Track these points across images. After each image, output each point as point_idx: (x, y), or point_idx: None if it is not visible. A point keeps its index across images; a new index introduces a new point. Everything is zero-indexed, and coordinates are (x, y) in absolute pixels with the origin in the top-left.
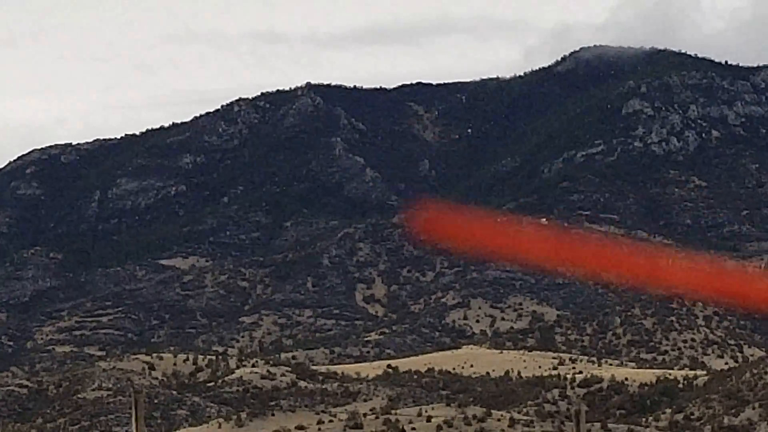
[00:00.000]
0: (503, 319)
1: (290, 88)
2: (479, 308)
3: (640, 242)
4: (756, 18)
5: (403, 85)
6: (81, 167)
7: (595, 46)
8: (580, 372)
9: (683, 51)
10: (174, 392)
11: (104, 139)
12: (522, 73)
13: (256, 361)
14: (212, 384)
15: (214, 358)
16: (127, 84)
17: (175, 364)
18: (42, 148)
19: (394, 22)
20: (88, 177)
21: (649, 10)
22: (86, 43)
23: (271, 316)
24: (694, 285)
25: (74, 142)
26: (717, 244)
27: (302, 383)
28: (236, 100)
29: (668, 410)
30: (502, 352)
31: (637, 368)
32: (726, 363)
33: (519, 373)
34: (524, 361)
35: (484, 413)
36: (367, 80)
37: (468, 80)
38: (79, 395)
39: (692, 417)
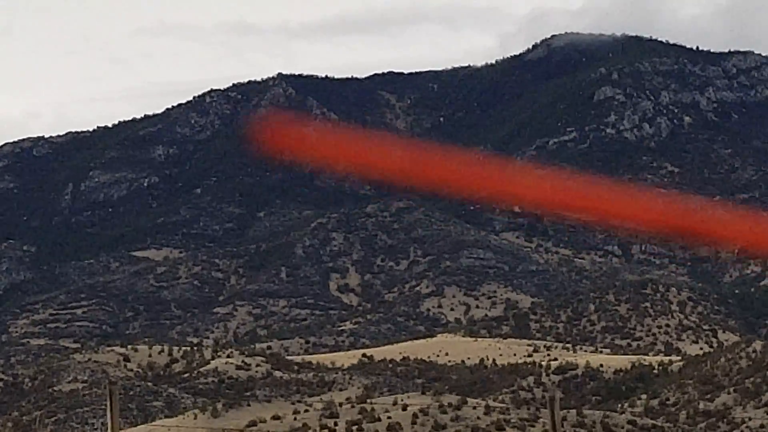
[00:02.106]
0: (477, 306)
1: (262, 79)
2: (453, 296)
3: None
4: (732, 4)
5: (375, 75)
6: (54, 160)
7: (566, 33)
8: (555, 359)
9: (655, 37)
10: (149, 384)
11: (76, 132)
12: (494, 61)
13: (231, 352)
14: (187, 375)
15: (188, 349)
16: (99, 76)
17: (150, 356)
18: (14, 142)
19: (366, 12)
20: (60, 170)
21: None
22: (58, 36)
23: (246, 307)
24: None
25: (47, 135)
26: None
27: (277, 373)
28: (208, 92)
29: (643, 396)
30: (476, 340)
31: (612, 354)
32: (701, 348)
33: (494, 360)
34: (499, 348)
35: (459, 401)
36: (338, 70)
37: (440, 69)
38: (54, 388)
39: (667, 402)
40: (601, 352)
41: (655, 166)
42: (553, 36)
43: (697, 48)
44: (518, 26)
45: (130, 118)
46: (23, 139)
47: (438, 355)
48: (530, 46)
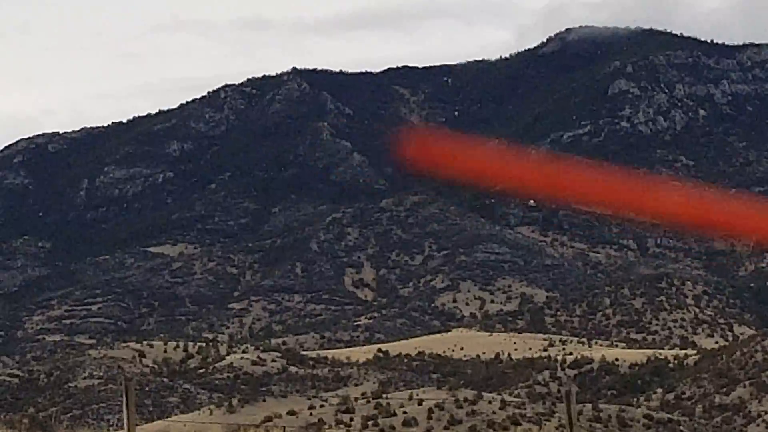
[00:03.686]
0: (492, 301)
1: (276, 74)
2: (468, 291)
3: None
4: None
5: (389, 69)
6: (68, 156)
7: (581, 26)
8: (571, 353)
9: (669, 30)
10: (165, 380)
11: (91, 128)
12: (508, 55)
13: (247, 348)
14: (203, 371)
15: (204, 344)
16: (113, 72)
17: (165, 352)
18: (29, 138)
19: (380, 6)
20: (75, 165)
21: None
22: (72, 32)
23: (261, 302)
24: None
25: (61, 131)
26: None
27: (293, 369)
28: (223, 87)
29: (659, 390)
30: (492, 335)
31: (628, 348)
32: (716, 342)
33: (509, 355)
34: (514, 343)
35: (475, 396)
36: (352, 64)
37: (454, 63)
38: (69, 384)
39: (683, 396)
40: (616, 346)
41: (670, 160)
42: (567, 29)
43: (712, 41)
44: (535, 20)
45: (144, 114)
46: (38, 135)
47: (453, 350)
48: (544, 40)
